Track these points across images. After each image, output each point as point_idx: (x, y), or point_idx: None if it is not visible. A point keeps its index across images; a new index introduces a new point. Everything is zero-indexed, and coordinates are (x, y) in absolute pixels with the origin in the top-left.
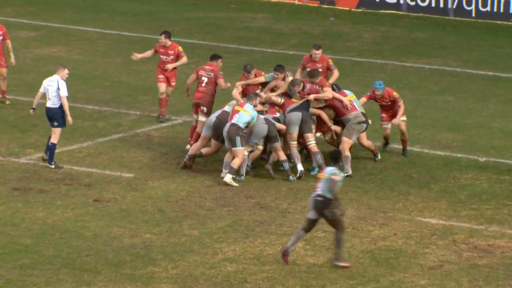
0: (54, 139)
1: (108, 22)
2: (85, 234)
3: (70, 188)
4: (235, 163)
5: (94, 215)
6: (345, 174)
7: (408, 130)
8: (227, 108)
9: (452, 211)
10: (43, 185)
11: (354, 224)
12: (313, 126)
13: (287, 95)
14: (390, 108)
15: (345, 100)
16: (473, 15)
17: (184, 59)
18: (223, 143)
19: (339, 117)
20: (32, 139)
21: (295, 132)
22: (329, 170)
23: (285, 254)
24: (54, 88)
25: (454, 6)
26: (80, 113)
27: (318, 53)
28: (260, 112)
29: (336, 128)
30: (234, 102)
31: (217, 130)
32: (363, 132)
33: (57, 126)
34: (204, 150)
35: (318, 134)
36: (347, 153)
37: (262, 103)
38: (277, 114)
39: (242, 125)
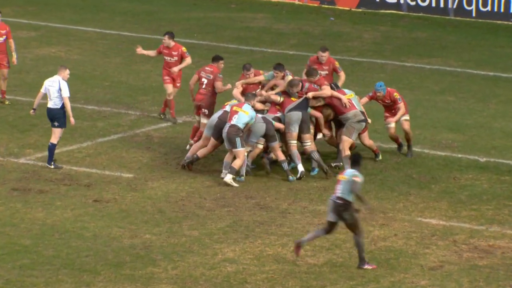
0: (54, 139)
1: (108, 22)
2: (85, 235)
3: (69, 188)
4: (236, 164)
5: (93, 216)
6: None
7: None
8: (228, 108)
9: (452, 211)
10: (43, 185)
11: None
12: (312, 127)
13: (286, 94)
14: (393, 108)
15: (344, 98)
16: (474, 15)
17: (188, 60)
18: (221, 143)
19: (338, 116)
20: (32, 139)
21: (295, 131)
22: (350, 172)
23: (298, 246)
24: (56, 89)
25: (455, 6)
26: (80, 113)
27: (324, 55)
28: (261, 112)
29: (326, 133)
30: (235, 101)
31: (218, 131)
32: (363, 130)
33: (58, 127)
34: (200, 153)
35: (320, 135)
36: (347, 152)
37: (263, 102)
38: (278, 114)
39: (241, 125)
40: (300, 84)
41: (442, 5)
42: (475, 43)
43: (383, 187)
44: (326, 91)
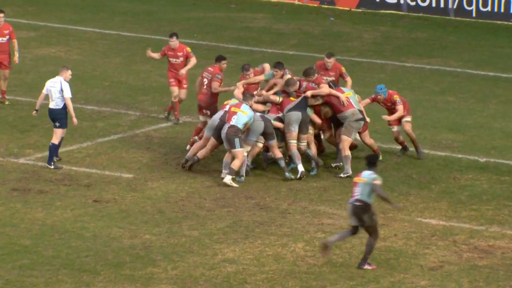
0: (55, 140)
1: (108, 22)
2: (85, 235)
3: (69, 188)
4: (235, 165)
5: (93, 216)
6: (345, 175)
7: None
8: (228, 108)
9: (452, 211)
10: (43, 185)
11: None
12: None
13: (286, 93)
14: (395, 110)
15: (342, 96)
16: (474, 15)
17: (194, 60)
18: (221, 144)
19: (336, 114)
20: (32, 140)
21: (294, 131)
22: (367, 174)
23: (326, 246)
24: (57, 89)
25: (455, 6)
26: (79, 114)
27: (330, 61)
28: (262, 113)
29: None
30: (235, 101)
31: (219, 132)
32: (363, 128)
33: (59, 127)
34: (200, 154)
35: (322, 137)
36: (347, 152)
37: (264, 103)
38: (280, 114)
39: (241, 126)
40: (298, 83)
41: (442, 5)
42: (475, 44)
43: (383, 187)
44: (324, 89)
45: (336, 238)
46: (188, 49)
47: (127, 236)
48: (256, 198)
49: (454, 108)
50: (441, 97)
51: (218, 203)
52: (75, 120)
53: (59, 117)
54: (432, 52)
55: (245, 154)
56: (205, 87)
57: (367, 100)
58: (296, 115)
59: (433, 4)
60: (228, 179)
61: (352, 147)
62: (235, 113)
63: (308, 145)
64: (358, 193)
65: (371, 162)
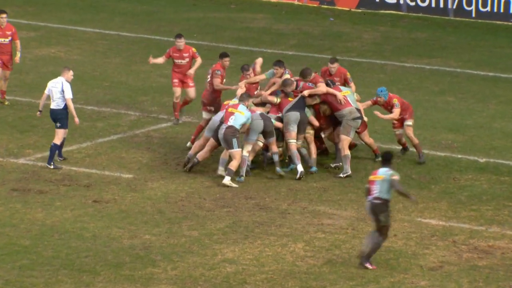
0: (56, 140)
1: (108, 22)
2: (84, 235)
3: (69, 189)
4: (233, 165)
5: (93, 216)
6: (345, 175)
7: None
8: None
9: (452, 212)
10: (42, 185)
11: (354, 225)
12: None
13: (285, 94)
14: (400, 114)
15: (339, 94)
16: (473, 15)
17: (199, 60)
18: (220, 145)
19: (334, 113)
20: (31, 140)
21: (293, 130)
22: (384, 171)
23: (362, 253)
24: (59, 90)
25: (454, 7)
26: (79, 114)
27: (333, 66)
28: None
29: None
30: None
31: (219, 133)
32: (363, 127)
33: (60, 128)
34: (200, 156)
35: (323, 135)
36: (347, 152)
37: (263, 104)
38: (280, 114)
39: (238, 126)
40: (295, 83)
41: (441, 5)
42: (475, 44)
43: None
44: (321, 88)
45: (369, 242)
46: (194, 49)
47: (127, 237)
48: (255, 198)
49: (454, 108)
50: (441, 97)
51: (217, 203)
52: (77, 119)
53: (60, 117)
54: (431, 52)
55: (246, 154)
56: (208, 84)
57: (368, 102)
58: (295, 115)
59: (433, 4)
60: (227, 180)
61: (352, 147)
62: (232, 113)
63: (308, 144)
64: (376, 190)
65: (387, 159)
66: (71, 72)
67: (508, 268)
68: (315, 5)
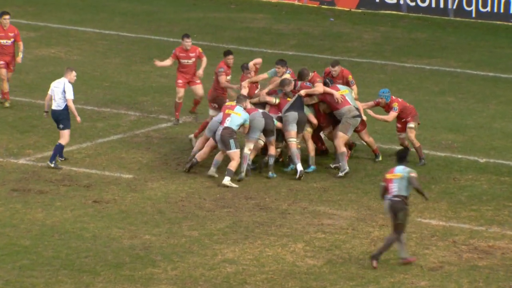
0: (62, 141)
1: (108, 22)
2: (85, 235)
3: (69, 189)
4: (232, 166)
5: (93, 216)
6: (343, 172)
7: None
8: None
9: (452, 212)
10: (42, 186)
11: (354, 225)
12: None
13: (284, 94)
14: (403, 118)
15: (336, 93)
16: (473, 15)
17: (205, 59)
18: None
19: (333, 112)
20: (31, 140)
21: (292, 130)
22: (402, 169)
23: (405, 260)
24: (60, 90)
25: (454, 7)
26: (79, 114)
27: (335, 70)
28: None
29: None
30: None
31: (216, 134)
32: (362, 126)
33: (62, 129)
34: (199, 156)
35: (323, 135)
36: (343, 149)
37: (263, 104)
38: (280, 114)
39: (235, 127)
40: (293, 82)
41: (442, 5)
42: (475, 44)
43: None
44: (319, 88)
45: (401, 249)
46: (200, 49)
47: (127, 237)
48: (256, 199)
49: (454, 108)
50: (441, 98)
51: (218, 203)
52: (78, 118)
53: (61, 118)
54: (432, 53)
55: (248, 151)
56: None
57: (371, 103)
58: (293, 115)
59: (433, 5)
60: (227, 180)
61: (351, 147)
62: (228, 115)
63: (306, 142)
64: (395, 188)
65: (402, 156)
66: (74, 73)
67: (508, 268)
68: (315, 5)
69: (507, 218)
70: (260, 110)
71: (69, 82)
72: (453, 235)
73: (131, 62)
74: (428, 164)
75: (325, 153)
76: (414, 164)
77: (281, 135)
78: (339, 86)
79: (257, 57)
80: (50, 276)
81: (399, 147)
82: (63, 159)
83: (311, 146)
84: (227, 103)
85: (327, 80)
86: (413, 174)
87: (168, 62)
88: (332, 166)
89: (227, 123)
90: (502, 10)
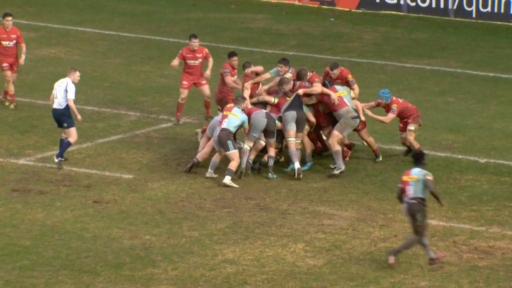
0: (71, 139)
1: (108, 22)
2: (85, 236)
3: (69, 189)
4: (232, 165)
5: (93, 217)
6: (339, 171)
7: None
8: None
9: (452, 212)
10: (43, 186)
11: (354, 226)
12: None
13: (284, 93)
14: (405, 118)
15: (333, 95)
16: (474, 16)
17: (211, 60)
18: None
19: (332, 112)
20: (32, 140)
21: (291, 129)
22: (418, 171)
23: (434, 260)
24: (63, 89)
25: (455, 7)
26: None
27: (333, 73)
28: None
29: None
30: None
31: (213, 136)
32: (362, 126)
33: (68, 127)
34: (200, 156)
35: (323, 136)
36: (337, 147)
37: (263, 103)
38: (280, 114)
39: (232, 129)
40: (292, 82)
41: (442, 6)
42: (475, 44)
43: (383, 188)
44: (317, 88)
45: (426, 249)
46: (207, 50)
47: (127, 237)
48: (256, 199)
49: (454, 108)
50: (441, 98)
51: (218, 203)
52: (79, 116)
53: (63, 117)
54: (432, 53)
55: (248, 147)
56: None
57: (372, 103)
58: (291, 115)
59: (433, 5)
60: (227, 179)
61: (351, 147)
62: (226, 116)
63: (302, 139)
64: (411, 191)
65: (418, 159)
66: (77, 73)
67: (509, 269)
68: (315, 6)
69: (507, 219)
70: (264, 110)
71: (73, 82)
72: (453, 235)
73: (131, 63)
74: (428, 165)
75: (324, 151)
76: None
77: (280, 136)
78: (337, 87)
79: (258, 57)
80: (50, 276)
81: (399, 147)
82: (63, 159)
83: (307, 144)
84: (228, 105)
85: (326, 81)
86: (429, 177)
87: (176, 62)
88: (332, 166)
89: (224, 124)
90: (502, 11)
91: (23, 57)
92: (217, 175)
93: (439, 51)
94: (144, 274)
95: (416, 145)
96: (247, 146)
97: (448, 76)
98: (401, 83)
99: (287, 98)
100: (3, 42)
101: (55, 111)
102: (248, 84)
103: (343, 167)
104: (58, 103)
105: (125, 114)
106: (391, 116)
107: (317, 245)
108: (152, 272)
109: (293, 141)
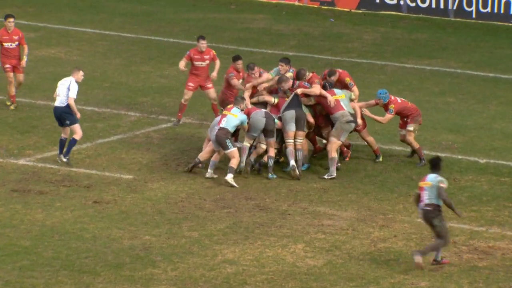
0: (76, 136)
1: (107, 23)
2: (85, 236)
3: (69, 189)
4: (233, 163)
5: (93, 217)
6: (329, 177)
7: None
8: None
9: (452, 212)
10: (42, 186)
11: (354, 226)
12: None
13: (283, 93)
14: (405, 116)
15: (330, 97)
16: (474, 16)
17: (218, 62)
18: None
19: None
20: (32, 141)
21: (290, 130)
22: (433, 177)
23: (438, 262)
24: (66, 87)
25: (455, 7)
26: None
27: (331, 79)
28: None
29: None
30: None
31: (211, 135)
32: (362, 126)
33: (70, 124)
34: (201, 156)
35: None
36: (334, 154)
37: (263, 103)
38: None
39: (231, 128)
40: (290, 80)
41: (442, 6)
42: (475, 45)
43: (383, 188)
44: (315, 89)
45: (436, 252)
46: (214, 52)
47: (127, 237)
48: (256, 199)
49: (454, 109)
50: (441, 98)
51: (218, 204)
52: (78, 114)
53: (64, 115)
54: (432, 53)
55: (247, 144)
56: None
57: (372, 102)
58: (290, 114)
59: (433, 5)
60: (229, 177)
61: (348, 146)
62: (225, 115)
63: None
64: (426, 197)
65: (435, 165)
66: (81, 73)
67: (509, 269)
68: (315, 6)
69: (507, 219)
70: (263, 110)
71: (76, 81)
72: (453, 236)
73: (131, 63)
74: (428, 165)
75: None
76: (414, 165)
77: (280, 136)
78: (336, 90)
79: (257, 57)
80: (50, 276)
81: (399, 148)
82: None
83: (305, 146)
84: (228, 106)
85: (326, 84)
86: (442, 185)
87: (182, 64)
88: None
89: (223, 124)
90: (502, 11)
91: (25, 58)
92: (216, 176)
93: (439, 52)
94: (144, 275)
95: (416, 145)
96: (246, 143)
97: (448, 77)
98: (401, 84)
99: (286, 98)
100: (5, 44)
101: (56, 109)
102: (249, 85)
103: (334, 175)
104: (60, 101)
105: (125, 115)
106: (388, 116)
107: (317, 245)
108: (152, 273)
109: (292, 143)
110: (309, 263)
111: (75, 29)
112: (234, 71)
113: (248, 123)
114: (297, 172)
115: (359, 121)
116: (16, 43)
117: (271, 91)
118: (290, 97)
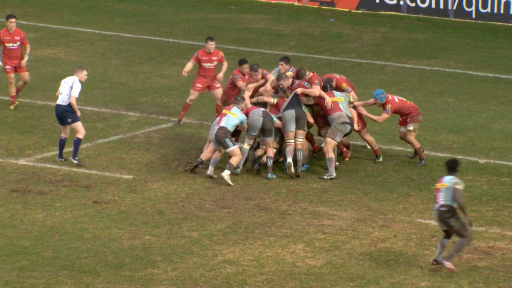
0: (80, 135)
1: (107, 23)
2: (84, 236)
3: (69, 189)
4: (234, 160)
5: (93, 217)
6: (329, 177)
7: None
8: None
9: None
10: (42, 186)
11: (354, 226)
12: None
13: (283, 93)
14: (404, 115)
15: (328, 99)
16: (473, 16)
17: (226, 63)
18: None
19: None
20: (31, 141)
21: (290, 130)
22: (449, 179)
23: (438, 263)
24: (69, 85)
25: (454, 8)
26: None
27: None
28: None
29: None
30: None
31: (210, 134)
32: (362, 127)
33: (72, 122)
34: (204, 156)
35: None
36: (331, 154)
37: (263, 103)
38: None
39: (230, 128)
40: (289, 79)
41: (442, 6)
42: (475, 45)
43: (383, 188)
44: (315, 90)
45: (439, 251)
46: (222, 53)
47: (127, 237)
48: (255, 199)
49: (454, 109)
50: (441, 98)
51: (218, 204)
52: (79, 113)
53: (66, 113)
54: (432, 53)
55: (247, 147)
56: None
57: (370, 101)
58: (290, 114)
59: (433, 5)
60: (226, 173)
61: (348, 146)
62: (225, 115)
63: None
64: (442, 198)
65: (452, 167)
66: (84, 72)
67: (508, 269)
68: (315, 6)
69: (507, 219)
70: (261, 109)
71: (79, 81)
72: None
73: (131, 63)
74: (428, 165)
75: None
76: (414, 165)
77: (279, 136)
78: (336, 92)
79: (257, 57)
80: (50, 276)
81: (399, 148)
82: (63, 159)
83: (305, 145)
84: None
85: (327, 85)
86: (458, 186)
87: (189, 65)
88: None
89: (222, 123)
90: (502, 11)
91: (26, 58)
92: (217, 176)
93: (439, 52)
94: (144, 275)
95: (417, 144)
96: (246, 146)
97: (448, 77)
98: (401, 84)
99: (285, 98)
100: (7, 44)
101: (58, 107)
102: (251, 86)
103: (334, 175)
104: (62, 99)
105: (125, 115)
106: (384, 116)
107: (316, 245)
108: (152, 273)
109: (292, 143)
110: (309, 263)
111: (75, 29)
112: (239, 74)
113: (247, 122)
114: (293, 170)
115: (356, 127)
116: (18, 43)
117: (274, 88)
118: (290, 97)
